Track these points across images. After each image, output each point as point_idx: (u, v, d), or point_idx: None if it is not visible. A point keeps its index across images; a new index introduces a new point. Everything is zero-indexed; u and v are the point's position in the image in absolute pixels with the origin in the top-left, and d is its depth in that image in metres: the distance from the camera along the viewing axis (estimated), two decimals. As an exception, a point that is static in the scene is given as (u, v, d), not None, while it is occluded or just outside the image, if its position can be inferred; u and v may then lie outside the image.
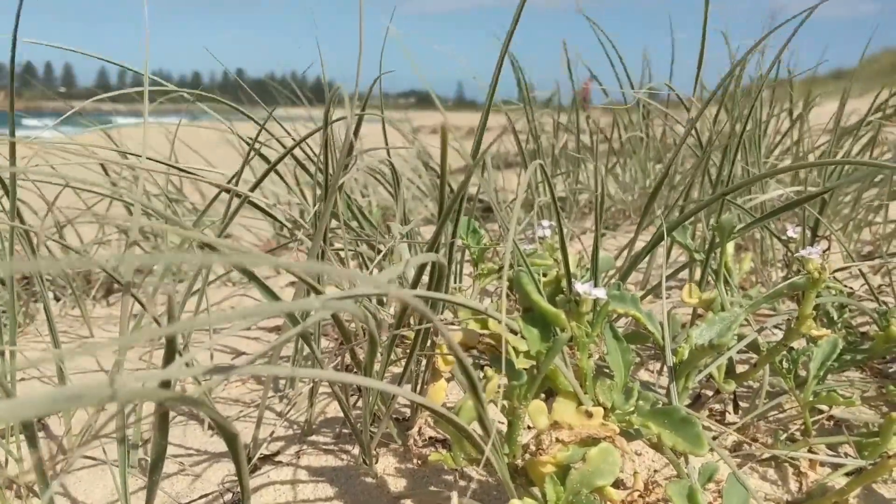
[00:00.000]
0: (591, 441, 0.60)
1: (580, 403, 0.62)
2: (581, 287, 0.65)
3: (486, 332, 0.66)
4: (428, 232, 1.82)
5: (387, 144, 1.25)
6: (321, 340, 1.09)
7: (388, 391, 0.71)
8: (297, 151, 1.05)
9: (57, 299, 1.48)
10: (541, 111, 2.14)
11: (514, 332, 0.67)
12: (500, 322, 0.62)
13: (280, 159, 0.83)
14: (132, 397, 0.34)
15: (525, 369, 0.63)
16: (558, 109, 2.26)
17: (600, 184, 0.95)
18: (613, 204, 2.08)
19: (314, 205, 0.87)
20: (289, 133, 1.39)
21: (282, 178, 1.32)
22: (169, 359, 0.38)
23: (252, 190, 0.86)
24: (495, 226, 1.77)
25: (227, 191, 0.87)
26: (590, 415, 0.60)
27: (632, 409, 0.64)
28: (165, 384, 0.42)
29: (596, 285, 0.67)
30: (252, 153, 0.91)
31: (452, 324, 0.89)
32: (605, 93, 2.05)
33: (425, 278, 0.71)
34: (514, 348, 0.64)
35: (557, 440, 0.59)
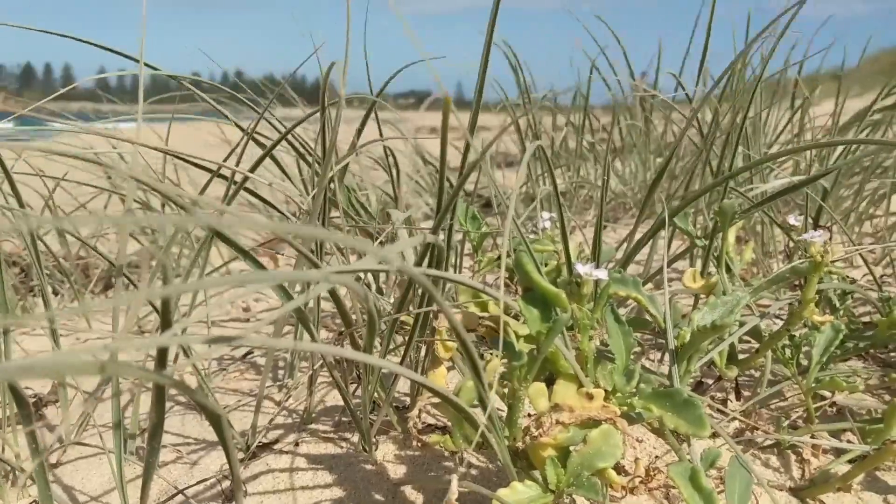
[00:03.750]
0: (592, 423, 0.59)
1: (581, 386, 0.62)
2: (583, 268, 0.64)
3: (486, 314, 0.65)
4: (426, 227, 1.81)
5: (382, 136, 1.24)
6: (320, 331, 1.09)
7: (389, 369, 0.70)
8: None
9: (55, 293, 1.47)
10: (542, 109, 2.14)
11: (516, 318, 0.66)
12: (498, 301, 0.61)
13: (276, 143, 0.83)
14: (121, 372, 0.33)
15: (525, 352, 0.62)
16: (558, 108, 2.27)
17: (605, 167, 0.95)
18: (614, 197, 2.08)
19: (311, 192, 0.86)
20: (284, 124, 1.38)
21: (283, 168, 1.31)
22: (165, 328, 0.38)
23: (252, 171, 0.85)
24: (493, 220, 1.77)
25: (226, 176, 0.87)
26: (591, 397, 0.60)
27: (633, 391, 0.63)
28: (161, 353, 0.41)
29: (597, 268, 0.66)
30: (246, 139, 0.91)
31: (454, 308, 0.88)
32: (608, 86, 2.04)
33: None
34: (514, 332, 0.63)
35: (558, 422, 0.58)
